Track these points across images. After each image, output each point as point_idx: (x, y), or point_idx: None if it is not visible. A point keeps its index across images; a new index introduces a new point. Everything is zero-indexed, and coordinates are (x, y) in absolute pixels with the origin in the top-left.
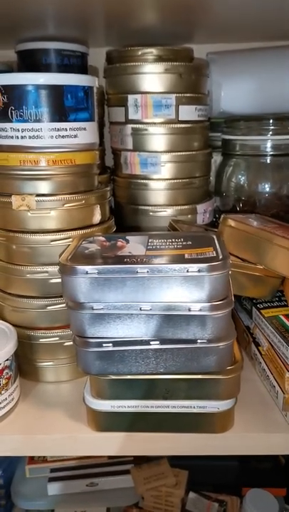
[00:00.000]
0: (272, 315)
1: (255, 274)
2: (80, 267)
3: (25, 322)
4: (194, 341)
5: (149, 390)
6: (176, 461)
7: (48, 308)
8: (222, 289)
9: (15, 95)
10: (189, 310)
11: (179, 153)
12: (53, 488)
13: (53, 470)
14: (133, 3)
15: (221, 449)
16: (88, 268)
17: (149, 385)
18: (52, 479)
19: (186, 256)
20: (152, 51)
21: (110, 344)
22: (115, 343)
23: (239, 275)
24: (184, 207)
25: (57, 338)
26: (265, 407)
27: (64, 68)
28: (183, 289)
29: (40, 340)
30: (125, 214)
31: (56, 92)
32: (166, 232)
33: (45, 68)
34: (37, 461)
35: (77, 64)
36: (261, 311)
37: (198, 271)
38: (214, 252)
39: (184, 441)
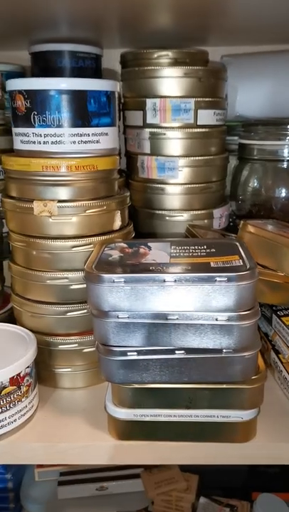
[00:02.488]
0: None
1: (274, 280)
2: (107, 276)
3: (44, 328)
4: (220, 351)
5: (172, 399)
6: (187, 466)
7: (68, 314)
8: (250, 299)
9: (38, 100)
10: (216, 320)
11: (197, 157)
12: (63, 492)
13: (62, 474)
14: (148, 5)
15: (243, 459)
16: (115, 277)
17: (172, 394)
18: (62, 483)
19: (212, 264)
20: (168, 54)
21: (135, 353)
22: (140, 352)
23: (258, 282)
24: (200, 212)
25: (76, 345)
26: (287, 416)
27: (78, 70)
28: (210, 298)
29: (59, 346)
30: (140, 218)
31: (79, 97)
32: (188, 239)
33: (59, 70)
34: (46, 465)
35: (92, 66)
36: (282, 318)
37: (227, 280)
38: (240, 261)
39: (207, 451)
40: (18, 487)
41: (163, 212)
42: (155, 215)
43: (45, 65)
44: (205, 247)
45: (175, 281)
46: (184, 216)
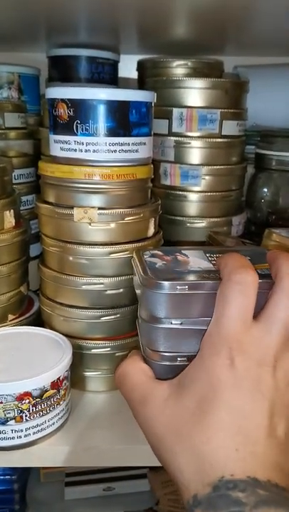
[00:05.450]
0: None
1: None
2: (169, 283)
3: (77, 332)
4: None
5: None
6: None
7: (102, 319)
8: None
9: (81, 109)
10: None
11: (220, 166)
12: (70, 493)
13: (68, 474)
14: (167, 15)
15: None
16: (178, 283)
17: None
18: (69, 484)
19: (259, 271)
20: (187, 63)
21: (185, 358)
22: (189, 358)
23: None
24: (220, 219)
25: (108, 349)
26: None
27: (97, 76)
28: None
29: (92, 350)
30: (161, 224)
31: (122, 107)
32: (217, 247)
33: (77, 75)
34: (51, 466)
35: (110, 72)
36: None
37: None
38: None
39: None
40: (24, 488)
41: (184, 218)
42: (176, 221)
43: (63, 70)
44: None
45: None
46: (204, 223)
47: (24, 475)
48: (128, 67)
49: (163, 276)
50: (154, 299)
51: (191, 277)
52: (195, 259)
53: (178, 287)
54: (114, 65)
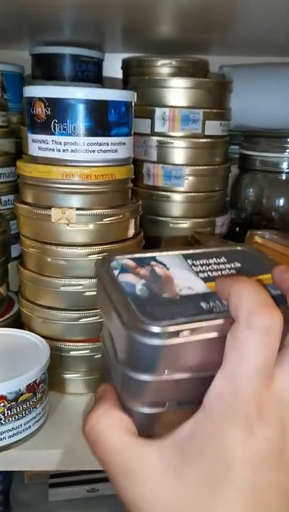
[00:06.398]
0: None
1: None
2: (169, 331)
3: (55, 334)
4: None
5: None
6: None
7: (81, 320)
8: None
9: (59, 108)
10: None
11: (203, 167)
12: (54, 494)
13: (52, 476)
14: (152, 13)
15: None
16: (179, 329)
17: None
18: (53, 485)
19: (269, 290)
20: (172, 62)
21: (175, 403)
22: (182, 403)
23: None
24: (203, 220)
25: (88, 351)
26: None
27: (81, 74)
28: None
29: (71, 352)
30: (144, 224)
31: (101, 107)
32: (197, 249)
33: (61, 73)
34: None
35: (94, 70)
36: None
37: None
38: None
39: None
40: (8, 490)
41: (167, 219)
42: (159, 222)
43: (46, 68)
44: (225, 260)
45: None
46: (188, 224)
47: (8, 477)
48: (114, 66)
49: (154, 314)
50: (144, 349)
51: (189, 311)
52: (178, 273)
53: (180, 334)
54: (98, 63)
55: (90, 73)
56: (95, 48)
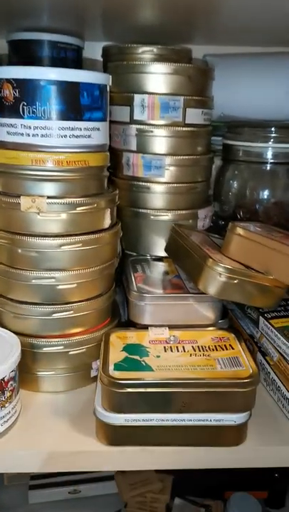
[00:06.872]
0: (283, 325)
1: (262, 283)
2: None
3: (28, 329)
4: None
5: (166, 403)
6: None
7: (54, 315)
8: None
9: (28, 90)
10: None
11: (184, 157)
12: (35, 496)
13: (33, 477)
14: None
15: (235, 462)
16: None
17: (165, 398)
18: (33, 487)
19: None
20: (153, 49)
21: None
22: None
23: (246, 284)
24: (185, 212)
25: (61, 347)
26: (274, 418)
27: (58, 61)
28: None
29: (44, 348)
30: (124, 217)
31: (72, 89)
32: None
33: (38, 60)
34: None
35: (73, 57)
36: (270, 321)
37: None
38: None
39: (199, 455)
40: None
41: (148, 211)
42: (139, 213)
43: (23, 55)
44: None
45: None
46: (169, 216)
47: None
48: (95, 55)
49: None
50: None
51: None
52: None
53: None
54: (77, 50)
55: (69, 60)
56: (75, 35)
